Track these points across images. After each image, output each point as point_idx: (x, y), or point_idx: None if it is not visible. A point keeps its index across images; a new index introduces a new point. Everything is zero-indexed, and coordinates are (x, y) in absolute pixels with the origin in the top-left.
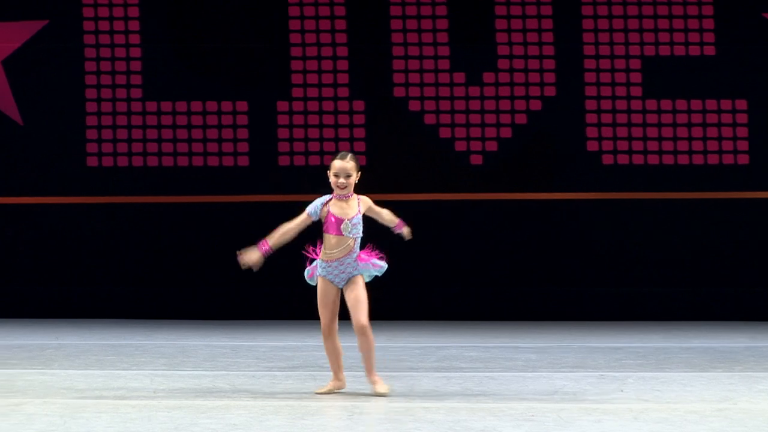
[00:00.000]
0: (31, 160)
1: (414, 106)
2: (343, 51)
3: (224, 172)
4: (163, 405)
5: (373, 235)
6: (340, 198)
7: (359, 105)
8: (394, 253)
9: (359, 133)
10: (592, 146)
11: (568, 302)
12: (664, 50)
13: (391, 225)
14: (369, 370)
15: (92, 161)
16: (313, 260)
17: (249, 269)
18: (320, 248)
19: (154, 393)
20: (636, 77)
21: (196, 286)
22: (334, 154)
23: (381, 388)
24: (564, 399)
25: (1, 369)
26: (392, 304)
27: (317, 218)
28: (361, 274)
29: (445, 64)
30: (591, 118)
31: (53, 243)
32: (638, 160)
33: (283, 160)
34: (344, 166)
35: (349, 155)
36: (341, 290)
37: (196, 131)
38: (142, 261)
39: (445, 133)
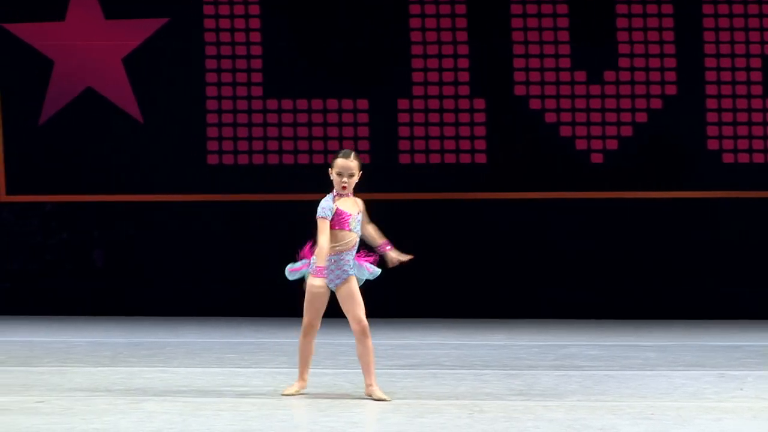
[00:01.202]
0: (151, 157)
1: (535, 104)
2: (463, 49)
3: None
4: (283, 403)
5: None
6: (341, 196)
7: (480, 103)
8: (513, 251)
9: (479, 131)
10: (712, 145)
11: (688, 300)
12: None
13: (374, 243)
14: (371, 379)
15: (213, 159)
16: (301, 260)
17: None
18: (309, 247)
19: (274, 391)
20: (756, 76)
21: None
22: (456, 153)
23: (381, 393)
24: (683, 397)
25: (121, 366)
26: (513, 302)
27: (330, 216)
28: (354, 275)
29: (566, 63)
30: (712, 116)
31: (173, 241)
32: (758, 158)
33: (404, 158)
34: (348, 165)
35: (353, 154)
36: (333, 293)
37: (316, 129)
38: (263, 259)
39: (565, 131)
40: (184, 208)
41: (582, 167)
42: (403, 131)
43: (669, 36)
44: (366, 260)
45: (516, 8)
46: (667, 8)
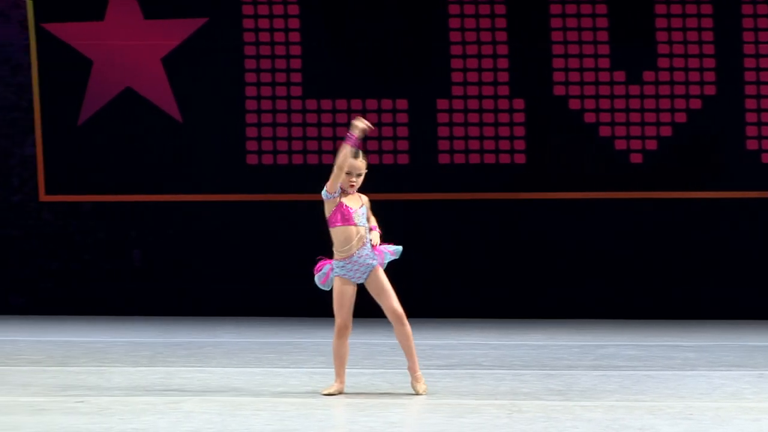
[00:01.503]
0: (190, 157)
1: (574, 104)
2: (503, 49)
3: (384, 170)
4: (321, 403)
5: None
6: (347, 193)
7: (519, 103)
8: (552, 251)
9: (519, 131)
10: (751, 145)
11: (727, 300)
12: None
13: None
14: (412, 363)
15: (252, 159)
16: (320, 271)
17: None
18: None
19: (312, 391)
20: None
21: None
22: (495, 153)
23: (420, 387)
24: (722, 398)
25: (159, 366)
26: (552, 302)
27: (336, 195)
28: (380, 265)
29: (605, 63)
30: (751, 117)
31: (212, 241)
32: None
33: (443, 158)
34: (357, 165)
35: (362, 154)
36: (360, 287)
37: None
38: (302, 259)
39: (605, 131)
40: (222, 208)
41: (621, 167)
42: (443, 131)
43: (708, 36)
44: (384, 245)
45: (555, 8)
46: (707, 8)
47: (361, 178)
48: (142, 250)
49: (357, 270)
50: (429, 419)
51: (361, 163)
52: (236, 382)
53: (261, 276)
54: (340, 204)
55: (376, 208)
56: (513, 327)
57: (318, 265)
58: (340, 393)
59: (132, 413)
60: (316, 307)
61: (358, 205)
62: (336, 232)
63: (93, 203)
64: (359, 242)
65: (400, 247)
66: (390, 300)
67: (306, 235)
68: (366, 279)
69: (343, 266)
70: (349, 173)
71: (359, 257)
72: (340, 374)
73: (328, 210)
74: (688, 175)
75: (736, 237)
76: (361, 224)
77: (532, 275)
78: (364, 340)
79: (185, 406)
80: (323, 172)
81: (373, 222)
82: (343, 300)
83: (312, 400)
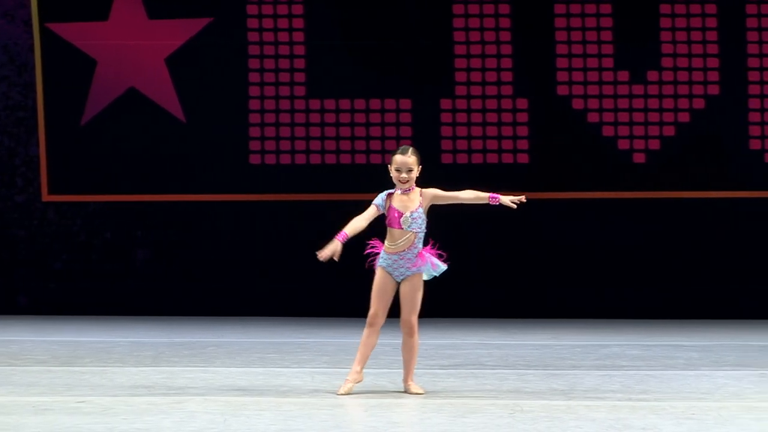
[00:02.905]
0: (194, 157)
1: (577, 104)
2: (507, 49)
3: (387, 171)
4: (324, 403)
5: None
6: (403, 192)
7: (522, 103)
8: (555, 251)
9: (522, 131)
10: (754, 144)
11: (730, 299)
12: None
13: (480, 202)
14: (408, 375)
15: (255, 159)
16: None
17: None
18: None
19: (315, 391)
20: None
21: (360, 284)
22: (498, 152)
23: (418, 388)
24: (725, 397)
25: (162, 366)
26: (555, 301)
27: (383, 211)
28: (421, 273)
29: (609, 63)
30: (754, 116)
31: (216, 241)
32: None
33: (446, 158)
34: (406, 161)
35: (411, 149)
36: (398, 285)
37: (359, 129)
38: (306, 258)
39: (608, 131)
40: (226, 207)
41: (624, 167)
42: (446, 131)
43: (712, 36)
44: (433, 255)
45: (559, 8)
46: (711, 8)
47: (413, 173)
48: (146, 250)
49: (397, 269)
50: (432, 419)
51: (410, 159)
52: (239, 381)
53: (264, 276)
54: (391, 207)
55: None
56: (516, 327)
57: (374, 244)
58: (357, 382)
59: (135, 413)
60: (319, 307)
61: (412, 207)
62: (388, 230)
63: (97, 203)
64: (404, 245)
65: (443, 267)
66: (408, 310)
67: (308, 235)
68: (403, 280)
69: (387, 259)
70: (398, 170)
71: (401, 258)
72: (359, 363)
73: (386, 208)
74: (691, 174)
75: (739, 236)
76: (410, 228)
77: (534, 275)
78: None
79: (188, 406)
80: (326, 172)
81: (469, 194)
82: (381, 291)
83: (315, 400)
